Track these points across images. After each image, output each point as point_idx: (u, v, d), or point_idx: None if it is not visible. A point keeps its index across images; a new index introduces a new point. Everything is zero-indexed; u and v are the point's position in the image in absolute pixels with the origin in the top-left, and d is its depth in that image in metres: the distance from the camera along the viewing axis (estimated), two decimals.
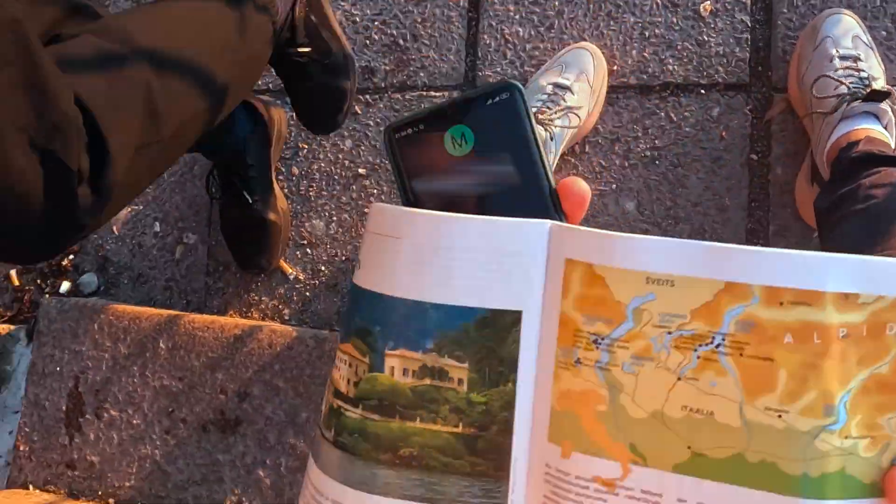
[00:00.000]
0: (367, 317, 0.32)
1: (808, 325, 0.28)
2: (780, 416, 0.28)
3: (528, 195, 0.33)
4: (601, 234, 0.30)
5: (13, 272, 1.28)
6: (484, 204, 0.33)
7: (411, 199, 0.34)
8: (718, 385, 0.29)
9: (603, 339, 0.30)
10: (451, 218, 0.31)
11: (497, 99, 0.33)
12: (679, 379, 0.29)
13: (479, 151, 0.33)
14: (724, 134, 1.02)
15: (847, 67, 0.87)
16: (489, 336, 0.32)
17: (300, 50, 0.94)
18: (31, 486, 1.09)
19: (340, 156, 1.15)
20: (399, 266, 0.31)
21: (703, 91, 1.03)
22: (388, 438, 0.32)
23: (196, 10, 0.78)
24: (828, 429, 0.28)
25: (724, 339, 0.28)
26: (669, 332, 0.29)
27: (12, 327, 1.23)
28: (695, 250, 0.28)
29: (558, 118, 0.96)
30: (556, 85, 0.99)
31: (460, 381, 0.32)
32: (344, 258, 1.13)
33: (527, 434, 0.32)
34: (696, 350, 0.29)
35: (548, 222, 0.31)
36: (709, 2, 1.04)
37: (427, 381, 0.32)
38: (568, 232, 0.31)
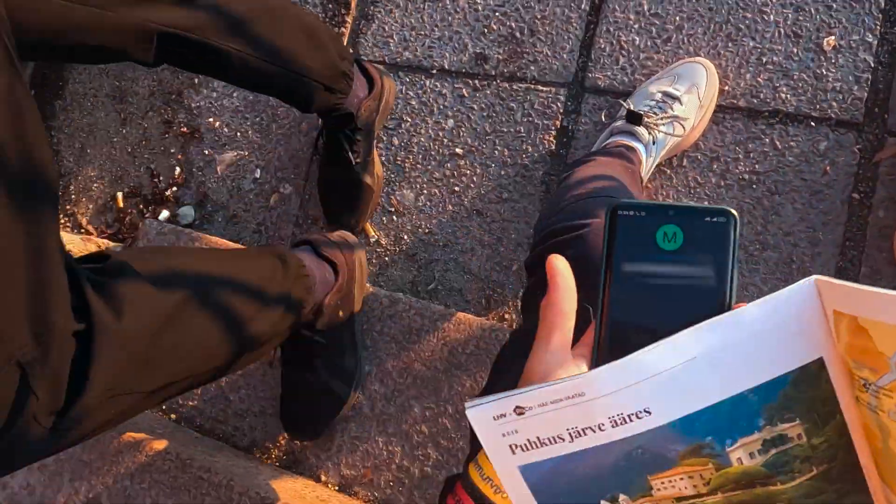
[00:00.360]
0: (690, 439, 0.35)
1: None
2: None
3: (709, 302, 0.36)
4: (864, 290, 0.31)
5: (119, 194, 1.38)
6: (669, 294, 0.37)
7: (609, 270, 0.38)
8: None
9: (870, 384, 0.33)
10: (727, 319, 0.34)
11: (715, 219, 0.37)
12: None
13: (683, 252, 0.37)
14: (828, 169, 1.01)
15: None
16: (805, 389, 0.35)
17: (315, 338, 0.95)
18: None
19: (441, 133, 1.19)
20: (704, 380, 0.34)
21: (812, 123, 1.03)
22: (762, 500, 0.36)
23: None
24: None
25: None
26: None
27: (110, 244, 1.32)
28: None
29: (663, 125, 0.97)
30: (666, 94, 1.00)
31: (799, 436, 0.36)
32: (427, 231, 1.17)
33: (865, 446, 0.36)
34: None
35: (812, 278, 0.34)
36: (833, 37, 1.03)
37: (773, 452, 0.36)
38: (832, 286, 0.33)
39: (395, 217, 1.19)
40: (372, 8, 1.27)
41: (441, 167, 1.18)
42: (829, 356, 0.34)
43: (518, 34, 1.18)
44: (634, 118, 0.95)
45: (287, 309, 0.86)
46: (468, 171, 1.17)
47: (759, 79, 1.06)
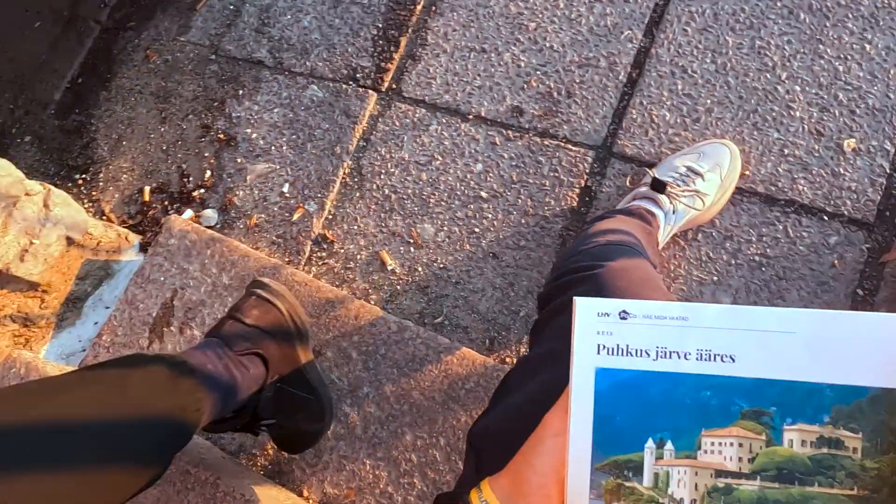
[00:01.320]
0: (757, 400, 0.38)
1: None
2: None
3: None
4: None
5: (147, 188, 1.41)
6: None
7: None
8: None
9: None
10: (843, 315, 0.37)
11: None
12: None
13: None
14: (836, 262, 1.05)
15: None
16: (880, 410, 0.37)
17: (265, 423, 0.91)
18: None
19: (469, 175, 1.24)
20: (794, 356, 0.37)
21: (825, 218, 1.07)
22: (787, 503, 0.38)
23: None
24: None
25: None
26: None
27: (130, 233, 1.34)
28: None
29: (685, 197, 1.01)
30: (690, 168, 1.05)
31: (855, 450, 0.38)
32: (442, 266, 1.20)
33: None
34: None
35: None
36: (854, 140, 1.09)
37: (824, 450, 0.38)
38: None
39: (412, 248, 1.22)
40: (420, 50, 1.33)
41: (464, 207, 1.22)
42: None
43: (555, 94, 1.24)
44: (659, 186, 0.99)
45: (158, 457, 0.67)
46: (490, 215, 1.21)
47: (779, 168, 1.11)
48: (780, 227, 1.08)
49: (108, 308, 1.28)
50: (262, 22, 1.47)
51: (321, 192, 1.30)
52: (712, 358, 0.37)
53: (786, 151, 1.11)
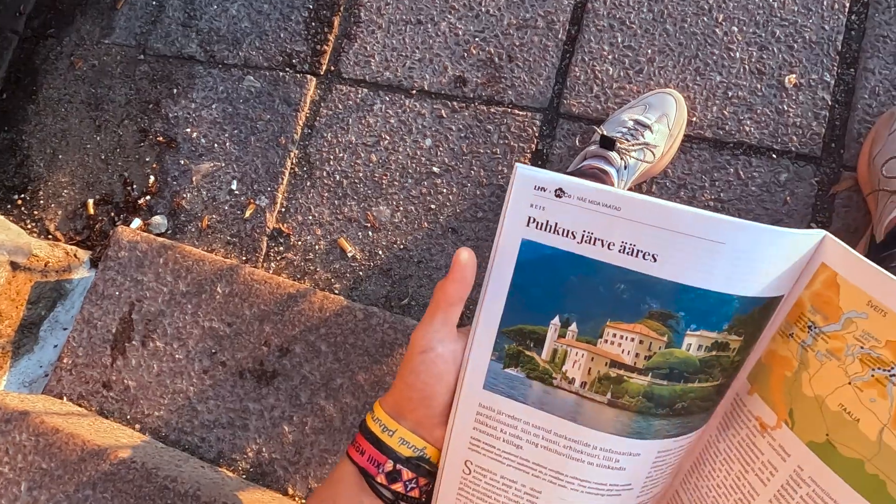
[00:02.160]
0: (669, 304, 0.38)
1: None
2: None
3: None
4: (860, 259, 0.36)
5: (90, 201, 1.36)
6: None
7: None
8: (876, 403, 0.35)
9: (815, 327, 0.38)
10: (764, 229, 0.37)
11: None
12: (849, 383, 0.36)
13: None
14: (788, 199, 1.06)
15: None
16: (765, 315, 0.39)
17: None
18: (64, 398, 1.13)
19: (419, 152, 1.22)
20: (717, 266, 0.37)
21: (774, 156, 1.08)
22: (669, 398, 0.39)
23: None
24: None
25: None
26: (862, 347, 0.36)
27: (79, 250, 1.30)
28: None
29: (635, 151, 1.01)
30: (638, 122, 1.04)
31: (734, 350, 0.39)
32: (402, 247, 1.19)
33: (742, 374, 0.41)
34: (873, 370, 0.35)
35: (822, 232, 0.38)
36: (794, 76, 1.09)
37: (714, 353, 0.38)
38: (836, 246, 0.38)
39: (370, 233, 1.20)
40: (355, 28, 1.30)
41: (418, 185, 1.20)
42: (786, 300, 0.39)
43: (497, 59, 1.22)
44: (608, 143, 0.99)
45: None
46: (444, 190, 1.19)
47: (724, 111, 1.11)
48: (732, 171, 1.09)
49: (65, 329, 1.24)
50: (188, 15, 1.41)
51: (271, 186, 1.27)
52: (635, 253, 0.37)
53: (729, 94, 1.11)
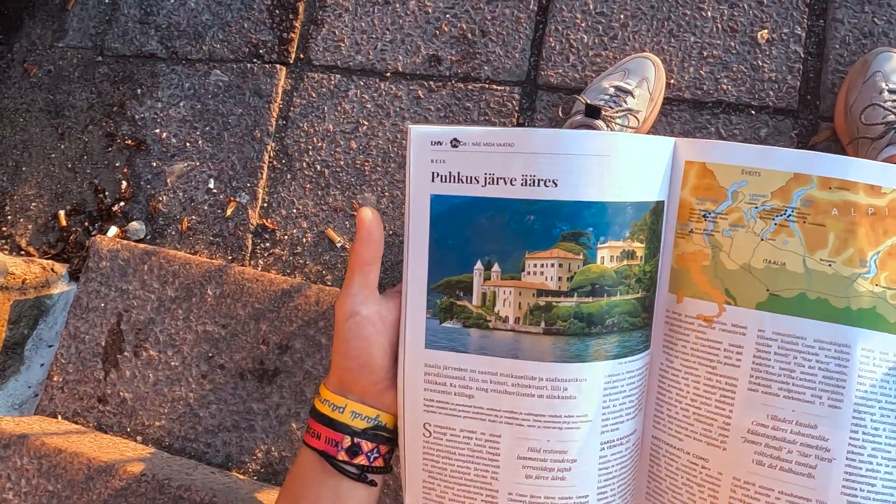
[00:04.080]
0: (577, 223, 0.40)
1: (847, 203, 0.40)
2: (829, 265, 0.40)
3: None
4: (714, 142, 0.42)
5: (62, 212, 1.31)
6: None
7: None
8: (789, 244, 0.41)
9: (710, 213, 0.42)
10: (645, 139, 0.42)
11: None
12: (762, 240, 0.41)
13: None
14: None
15: None
16: (655, 220, 0.43)
17: None
18: (59, 416, 1.10)
19: (399, 136, 1.20)
20: (607, 177, 0.40)
21: (753, 112, 1.09)
22: (598, 315, 0.41)
23: None
24: (862, 276, 0.40)
25: (792, 212, 0.40)
26: (756, 207, 0.41)
27: (55, 263, 1.26)
28: (774, 153, 0.40)
29: (619, 117, 1.01)
30: (619, 88, 1.04)
31: (640, 258, 0.42)
32: (391, 232, 1.18)
33: (663, 288, 0.44)
34: (773, 219, 0.41)
35: (673, 139, 0.42)
36: (766, 31, 1.10)
37: (625, 262, 0.41)
38: (688, 143, 0.43)
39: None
40: (321, 12, 1.27)
41: (401, 169, 1.19)
42: (668, 204, 0.43)
43: (470, 35, 1.20)
44: (593, 112, 0.99)
45: None
46: None
47: (701, 72, 1.11)
48: (713, 130, 1.10)
49: (51, 346, 1.20)
50: (144, 11, 1.36)
51: (250, 181, 1.24)
52: (536, 183, 0.39)
53: (704, 54, 1.12)
